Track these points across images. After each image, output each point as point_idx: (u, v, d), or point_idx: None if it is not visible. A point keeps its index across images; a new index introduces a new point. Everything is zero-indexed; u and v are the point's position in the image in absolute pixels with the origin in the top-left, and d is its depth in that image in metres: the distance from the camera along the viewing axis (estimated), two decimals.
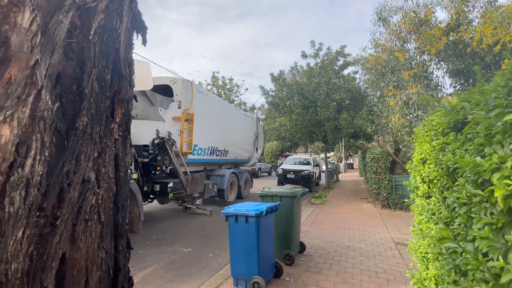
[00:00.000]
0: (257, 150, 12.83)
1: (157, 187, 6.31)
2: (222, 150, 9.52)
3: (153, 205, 8.25)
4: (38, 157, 0.85)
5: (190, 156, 7.66)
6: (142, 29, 1.40)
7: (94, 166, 1.00)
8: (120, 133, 1.14)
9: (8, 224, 0.82)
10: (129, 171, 1.29)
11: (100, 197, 1.03)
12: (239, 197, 10.36)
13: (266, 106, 28.58)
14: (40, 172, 0.86)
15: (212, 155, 9.01)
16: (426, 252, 2.02)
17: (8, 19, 0.90)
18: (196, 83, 9.11)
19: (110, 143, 1.08)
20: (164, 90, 7.42)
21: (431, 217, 1.96)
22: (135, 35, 1.41)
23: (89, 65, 1.00)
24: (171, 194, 6.46)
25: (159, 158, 6.36)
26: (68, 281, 0.94)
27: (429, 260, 1.89)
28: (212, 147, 8.82)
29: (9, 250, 0.83)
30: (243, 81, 73.53)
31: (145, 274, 4.00)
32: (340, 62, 13.52)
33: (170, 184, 6.41)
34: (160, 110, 6.77)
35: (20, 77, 0.86)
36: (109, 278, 1.12)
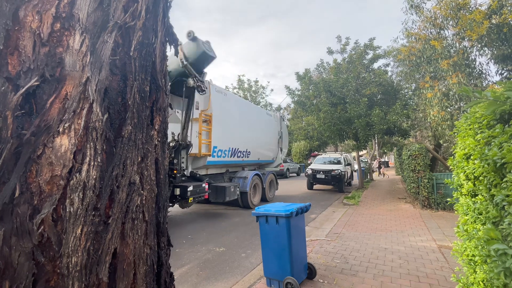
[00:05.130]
0: (281, 150, 12.35)
1: (177, 191, 6.17)
2: (243, 151, 9.25)
3: (188, 207, 8.55)
4: (92, 163, 0.96)
5: (209, 159, 7.52)
6: (174, 41, 1.50)
7: (138, 170, 1.10)
8: (159, 139, 1.24)
9: (69, 222, 0.94)
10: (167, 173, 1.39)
11: (144, 198, 1.13)
12: (264, 200, 9.91)
13: (292, 105, 28.32)
14: (94, 176, 0.97)
15: (233, 157, 8.77)
16: (473, 255, 1.87)
17: (62, 42, 1.03)
18: (223, 87, 9.09)
19: (151, 149, 1.18)
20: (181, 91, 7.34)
21: (478, 217, 1.81)
22: (168, 47, 1.52)
23: (131, 79, 1.11)
24: (191, 198, 6.38)
25: (175, 161, 6.29)
26: (119, 274, 1.05)
27: (476, 263, 1.75)
28: (232, 148, 8.58)
29: (70, 245, 0.95)
30: (268, 82, 73.34)
31: (182, 272, 4.20)
32: (370, 56, 12.95)
33: (190, 188, 6.30)
34: (177, 112, 6.52)
35: (74, 93, 0.99)
36: (154, 273, 1.21)
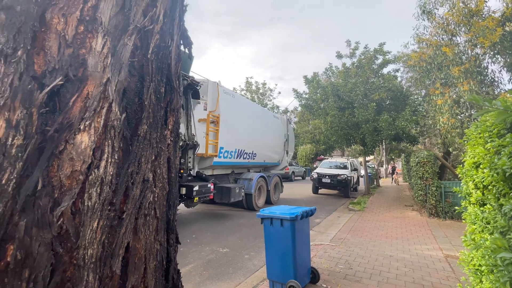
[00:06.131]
0: (287, 153, 12.31)
1: (183, 191, 6.25)
2: (249, 153, 9.29)
3: (193, 207, 8.58)
4: (110, 160, 1.01)
5: (216, 159, 7.59)
6: (188, 44, 1.55)
7: (151, 168, 1.15)
8: (171, 139, 1.28)
9: (86, 215, 0.99)
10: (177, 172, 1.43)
11: (156, 195, 1.17)
12: (268, 202, 9.90)
13: (299, 109, 28.28)
14: (111, 173, 1.01)
15: (239, 158, 8.81)
16: (479, 265, 1.85)
17: (85, 44, 1.09)
18: (230, 89, 9.14)
19: (164, 147, 1.22)
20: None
21: (486, 226, 1.80)
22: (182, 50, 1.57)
23: (148, 80, 1.15)
24: (197, 198, 6.46)
25: (182, 160, 6.36)
26: (131, 267, 1.08)
27: (483, 273, 1.73)
28: (239, 149, 8.65)
29: (87, 238, 0.99)
30: (276, 84, 73.34)
31: (186, 271, 4.24)
32: (379, 61, 12.85)
33: (196, 188, 6.38)
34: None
35: (95, 92, 1.03)
36: (163, 268, 1.25)
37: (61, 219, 0.95)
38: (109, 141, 1.02)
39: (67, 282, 0.97)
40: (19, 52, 0.96)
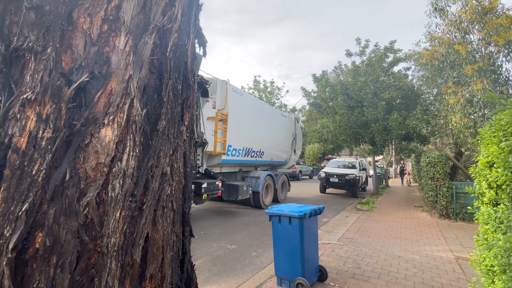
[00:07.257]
0: (295, 151, 12.31)
1: (192, 187, 6.38)
2: (257, 151, 9.33)
3: (202, 204, 8.67)
4: (131, 153, 1.06)
5: (224, 157, 7.66)
6: (203, 43, 1.58)
7: (169, 162, 1.19)
8: (187, 134, 1.33)
9: (110, 206, 1.04)
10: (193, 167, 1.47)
11: (173, 188, 1.22)
12: (275, 201, 9.95)
13: (307, 107, 28.14)
14: (133, 166, 1.06)
15: (247, 156, 8.87)
16: (492, 265, 1.83)
17: (109, 42, 1.13)
18: (238, 87, 9.17)
19: (180, 143, 1.27)
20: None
21: (499, 226, 1.78)
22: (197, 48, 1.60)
23: (166, 77, 1.20)
24: (205, 195, 6.55)
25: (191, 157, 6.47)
26: (149, 257, 1.13)
27: (495, 273, 1.72)
28: (246, 148, 8.70)
29: (110, 227, 1.04)
30: (284, 83, 73.05)
31: (195, 266, 4.31)
32: (390, 59, 12.65)
33: (204, 185, 6.46)
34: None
35: (118, 89, 1.08)
36: (178, 259, 1.30)
37: (87, 209, 1.00)
38: (131, 136, 1.07)
39: (91, 269, 1.02)
40: (49, 50, 1.02)
